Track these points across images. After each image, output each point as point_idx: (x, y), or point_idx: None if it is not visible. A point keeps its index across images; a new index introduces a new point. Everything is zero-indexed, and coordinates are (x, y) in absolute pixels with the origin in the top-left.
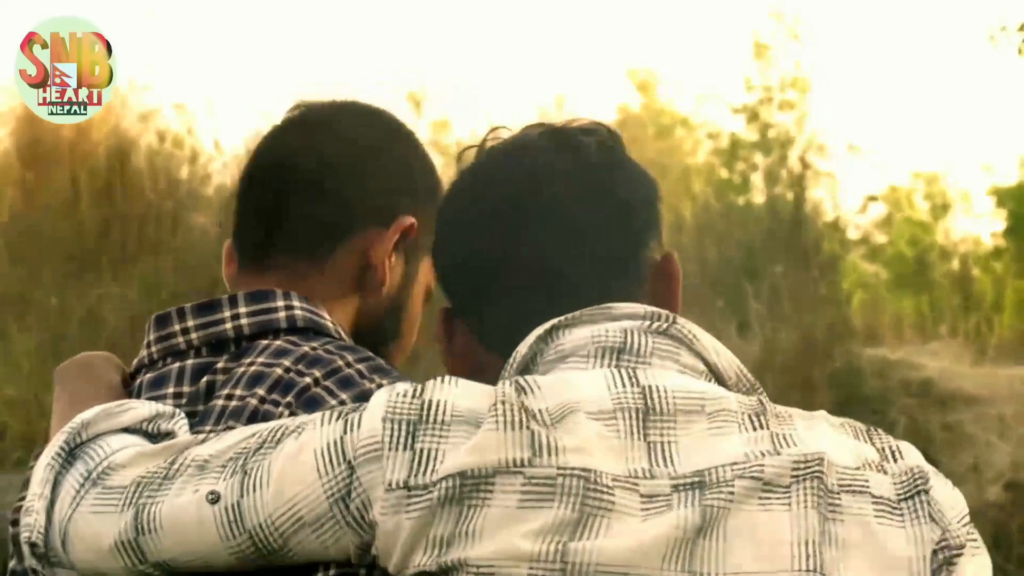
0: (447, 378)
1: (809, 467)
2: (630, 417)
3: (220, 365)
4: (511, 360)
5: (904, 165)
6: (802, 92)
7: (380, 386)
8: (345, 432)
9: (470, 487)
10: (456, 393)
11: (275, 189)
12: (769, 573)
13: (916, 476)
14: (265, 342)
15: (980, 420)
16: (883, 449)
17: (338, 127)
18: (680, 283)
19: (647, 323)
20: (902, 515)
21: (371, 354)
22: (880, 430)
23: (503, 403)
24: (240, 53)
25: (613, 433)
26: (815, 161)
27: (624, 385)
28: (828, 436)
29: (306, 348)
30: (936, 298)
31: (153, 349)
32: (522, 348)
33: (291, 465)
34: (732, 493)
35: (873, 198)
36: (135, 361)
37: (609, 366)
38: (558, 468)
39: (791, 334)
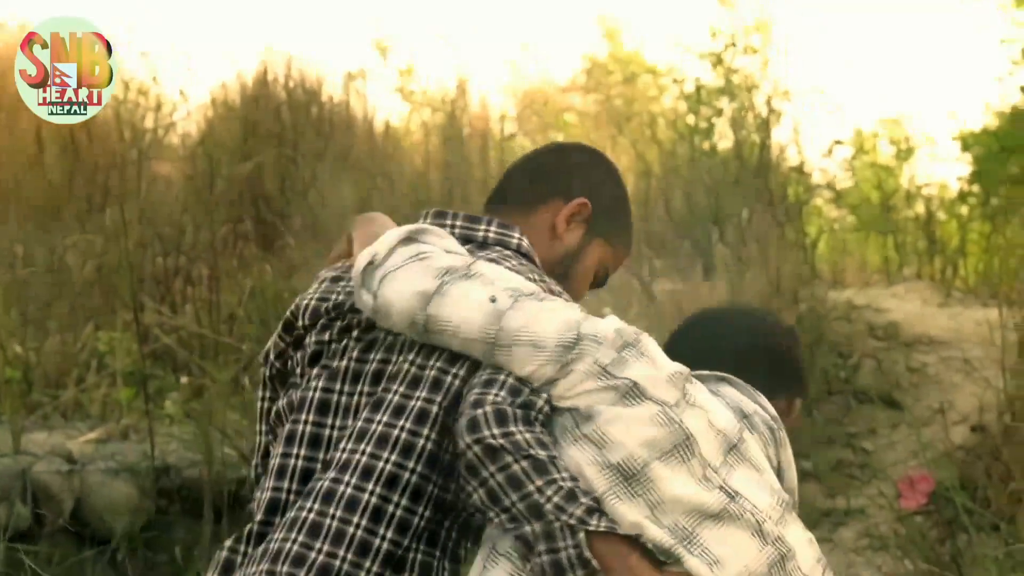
0: (650, 338)
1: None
2: (725, 435)
3: (468, 247)
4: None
5: (869, 110)
6: (766, 37)
7: (561, 294)
8: (582, 317)
9: (633, 396)
10: (653, 343)
11: (511, 174)
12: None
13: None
14: (500, 249)
15: (946, 363)
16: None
17: (551, 147)
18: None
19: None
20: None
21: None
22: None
23: (681, 374)
24: (206, 1)
25: (711, 430)
26: (780, 106)
27: (732, 421)
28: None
29: (526, 263)
30: (901, 242)
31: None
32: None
33: (544, 315)
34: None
35: (839, 142)
36: None
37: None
38: (681, 423)
39: (757, 278)
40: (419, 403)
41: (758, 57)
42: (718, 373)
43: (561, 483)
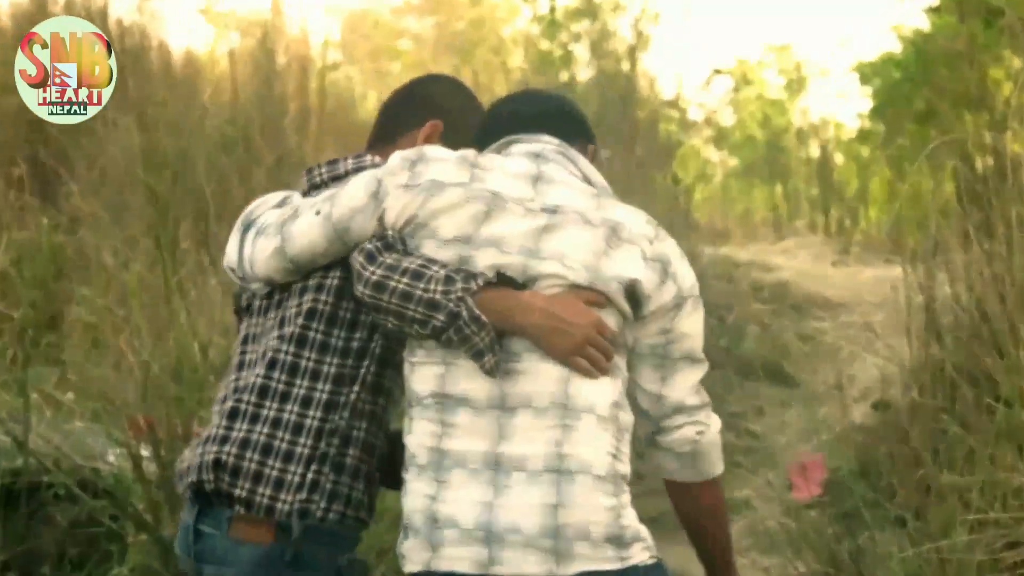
0: (435, 146)
1: (609, 223)
2: (528, 178)
3: (334, 186)
4: (483, 152)
5: (755, 36)
6: None
7: None
8: (375, 170)
9: (437, 187)
10: (437, 150)
11: (380, 115)
12: (566, 253)
13: (664, 259)
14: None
15: (843, 329)
16: (655, 235)
17: (408, 84)
18: (595, 160)
19: (556, 147)
20: (649, 268)
21: None
22: (662, 231)
23: (464, 158)
24: None
25: (518, 182)
26: (650, 30)
27: (532, 168)
28: (631, 217)
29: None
30: (792, 189)
31: (305, 184)
32: (494, 144)
33: (349, 189)
34: (567, 218)
35: (719, 72)
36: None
37: (527, 160)
38: (482, 188)
39: None
40: (308, 300)
41: None
42: (505, 139)
43: (436, 275)
